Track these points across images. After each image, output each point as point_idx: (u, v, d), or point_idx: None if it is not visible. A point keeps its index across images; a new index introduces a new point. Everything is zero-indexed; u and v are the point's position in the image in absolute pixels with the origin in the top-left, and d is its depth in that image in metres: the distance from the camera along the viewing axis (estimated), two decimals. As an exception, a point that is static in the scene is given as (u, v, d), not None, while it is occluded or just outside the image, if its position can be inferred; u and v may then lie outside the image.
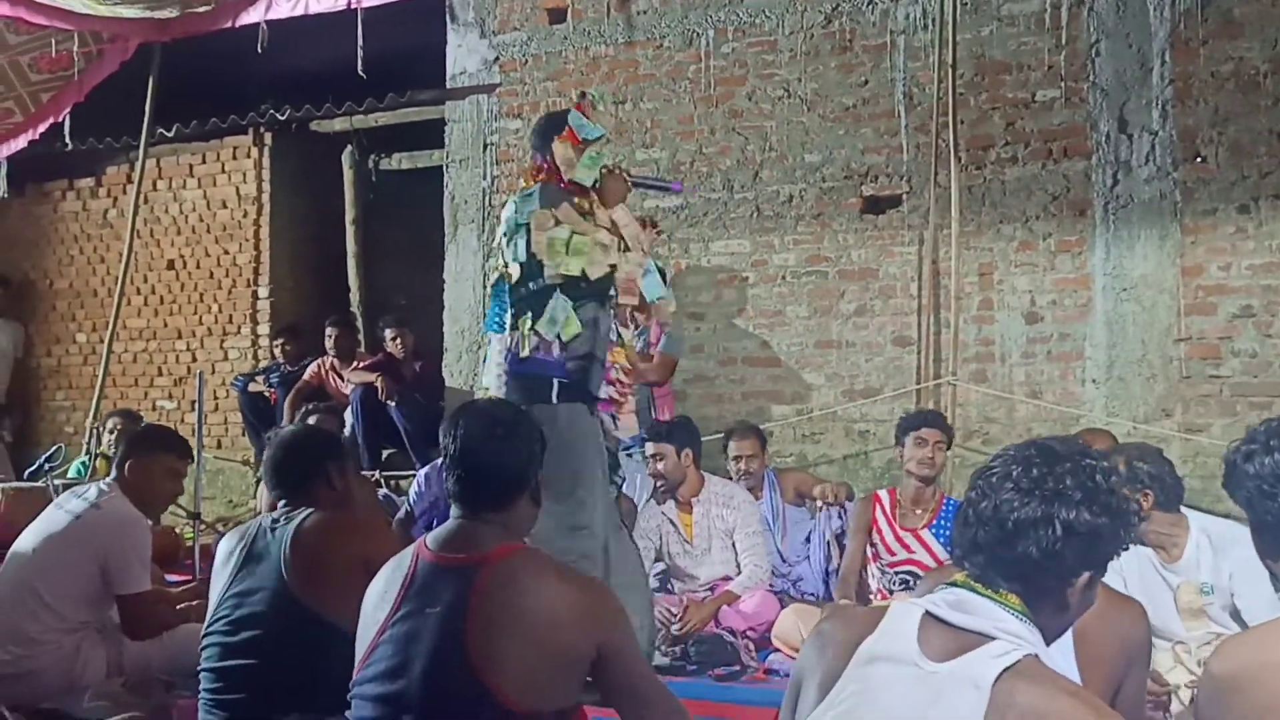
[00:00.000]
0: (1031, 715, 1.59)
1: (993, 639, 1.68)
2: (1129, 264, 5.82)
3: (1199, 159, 5.70)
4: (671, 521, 5.08)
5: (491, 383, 4.09)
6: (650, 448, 5.10)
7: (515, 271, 4.02)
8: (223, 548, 3.11)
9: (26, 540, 3.91)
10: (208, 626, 3.01)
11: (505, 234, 4.11)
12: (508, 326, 4.07)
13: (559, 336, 3.92)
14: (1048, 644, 1.77)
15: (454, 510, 2.43)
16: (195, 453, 6.01)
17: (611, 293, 4.07)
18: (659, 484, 5.12)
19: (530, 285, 3.98)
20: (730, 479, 5.36)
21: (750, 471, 5.43)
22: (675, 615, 4.69)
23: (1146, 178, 5.79)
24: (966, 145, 6.09)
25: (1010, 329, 6.10)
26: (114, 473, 4.12)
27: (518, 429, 2.46)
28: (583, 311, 3.94)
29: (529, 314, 3.97)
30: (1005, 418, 6.09)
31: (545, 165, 4.12)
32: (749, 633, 4.64)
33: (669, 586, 5.17)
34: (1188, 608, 3.59)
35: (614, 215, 4.08)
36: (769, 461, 5.72)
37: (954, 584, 1.80)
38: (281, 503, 3.15)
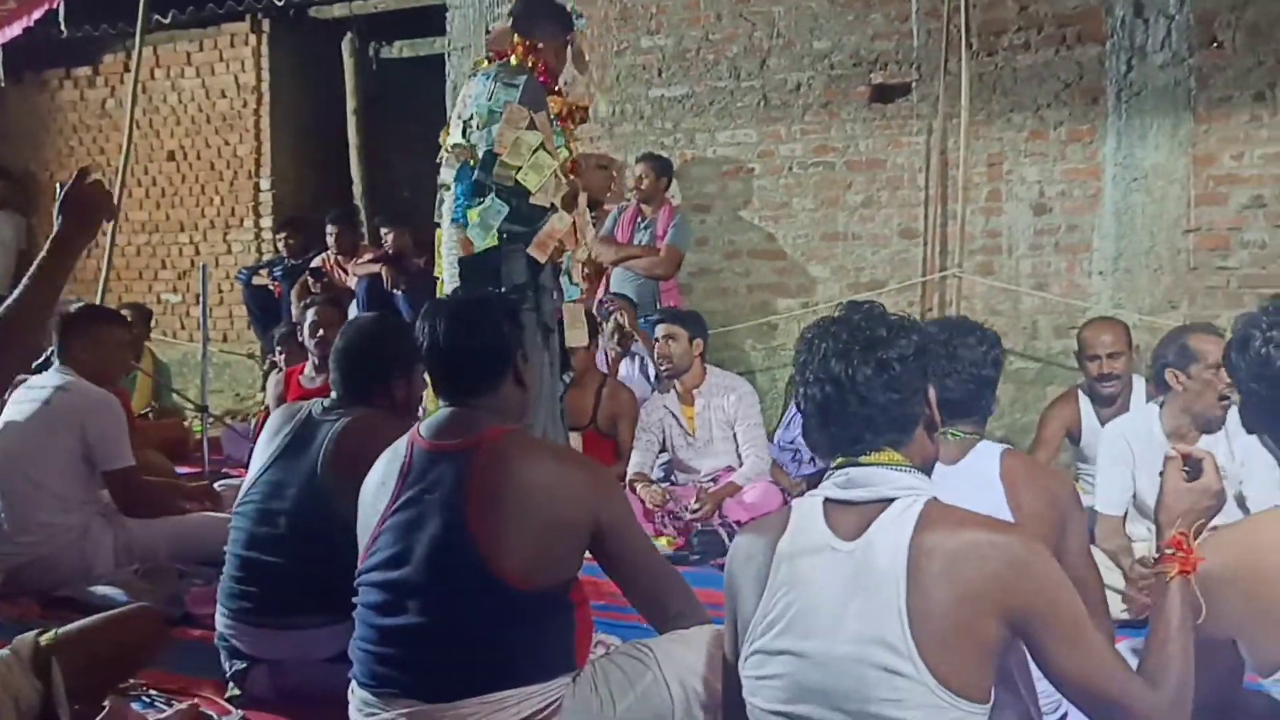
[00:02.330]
0: (948, 558, 1.69)
1: (891, 500, 1.76)
2: (1140, 153, 5.73)
3: (1215, 44, 5.56)
4: (674, 414, 5.09)
5: (447, 275, 3.81)
6: (663, 329, 5.09)
7: (476, 157, 3.71)
8: (271, 422, 3.10)
9: (4, 435, 3.92)
10: (239, 503, 3.02)
11: (475, 114, 3.74)
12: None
13: (478, 243, 3.67)
14: (931, 473, 1.89)
15: (442, 400, 2.47)
16: (201, 345, 6.09)
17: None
18: (664, 368, 5.11)
19: (478, 174, 3.68)
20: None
21: None
22: (686, 505, 4.76)
23: (1161, 64, 5.67)
24: (978, 31, 5.95)
25: (1018, 220, 6.03)
26: (57, 361, 4.05)
27: (489, 313, 2.48)
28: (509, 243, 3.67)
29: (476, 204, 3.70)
30: (1011, 310, 6.06)
31: (537, 50, 3.80)
32: (751, 523, 4.69)
33: (673, 479, 5.23)
34: None
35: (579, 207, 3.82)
36: None
37: (837, 467, 1.86)
38: (335, 393, 3.06)
